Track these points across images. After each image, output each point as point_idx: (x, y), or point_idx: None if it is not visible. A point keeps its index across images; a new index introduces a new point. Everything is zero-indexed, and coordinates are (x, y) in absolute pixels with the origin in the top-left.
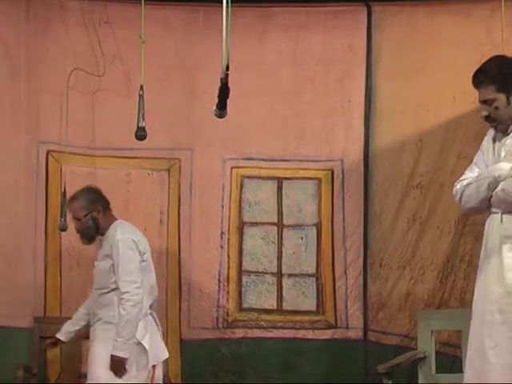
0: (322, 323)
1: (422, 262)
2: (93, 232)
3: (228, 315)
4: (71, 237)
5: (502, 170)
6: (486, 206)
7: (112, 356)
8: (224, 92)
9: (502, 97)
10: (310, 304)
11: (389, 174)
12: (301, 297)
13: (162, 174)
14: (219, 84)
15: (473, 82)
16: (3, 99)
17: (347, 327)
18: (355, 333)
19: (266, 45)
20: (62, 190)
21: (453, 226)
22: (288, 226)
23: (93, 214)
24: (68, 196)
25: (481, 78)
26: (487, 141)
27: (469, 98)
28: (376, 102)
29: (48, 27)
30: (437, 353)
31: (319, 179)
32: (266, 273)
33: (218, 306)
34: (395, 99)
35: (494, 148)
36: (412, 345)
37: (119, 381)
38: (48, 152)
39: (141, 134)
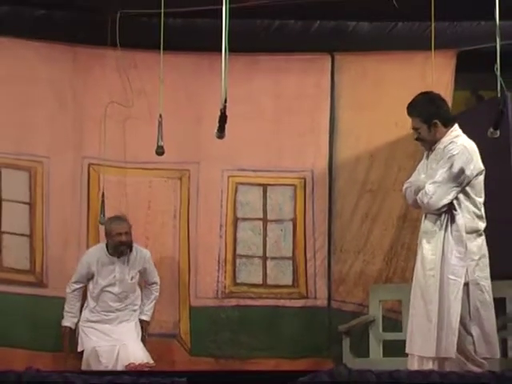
0: (296, 295)
1: (373, 248)
2: None
3: (225, 288)
4: None
5: (423, 182)
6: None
7: (148, 321)
8: (223, 119)
9: (424, 126)
10: (288, 280)
11: (347, 181)
12: (280, 274)
13: (175, 181)
14: (219, 113)
15: (407, 113)
16: (55, 125)
17: (315, 298)
18: (321, 302)
19: (254, 83)
20: (101, 193)
21: (395, 221)
22: (271, 221)
23: None
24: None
25: (410, 110)
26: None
27: (408, 125)
28: (337, 127)
29: (89, 70)
30: (383, 317)
31: (295, 185)
32: (254, 256)
33: (218, 281)
34: (352, 125)
35: (426, 159)
36: (365, 311)
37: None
38: (89, 165)
39: (160, 151)
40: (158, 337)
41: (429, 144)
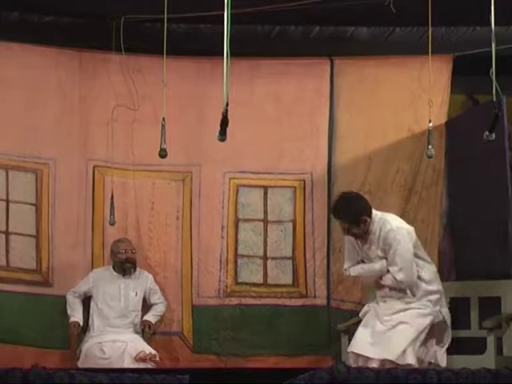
0: (296, 294)
1: None
2: None
3: (227, 287)
4: (111, 230)
5: (379, 271)
6: None
7: (152, 322)
8: (224, 122)
9: (354, 225)
10: (288, 279)
11: (346, 183)
12: (281, 274)
13: (178, 183)
14: (221, 116)
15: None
16: (61, 128)
17: (315, 297)
18: (321, 301)
19: (255, 87)
20: (110, 195)
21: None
22: (271, 222)
23: None
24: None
25: (338, 215)
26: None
27: (404, 128)
28: (337, 130)
29: (95, 74)
30: None
31: (294, 187)
32: (255, 256)
33: (220, 281)
34: (351, 128)
35: (357, 246)
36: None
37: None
38: (94, 167)
39: (163, 154)
40: (162, 335)
41: (361, 235)
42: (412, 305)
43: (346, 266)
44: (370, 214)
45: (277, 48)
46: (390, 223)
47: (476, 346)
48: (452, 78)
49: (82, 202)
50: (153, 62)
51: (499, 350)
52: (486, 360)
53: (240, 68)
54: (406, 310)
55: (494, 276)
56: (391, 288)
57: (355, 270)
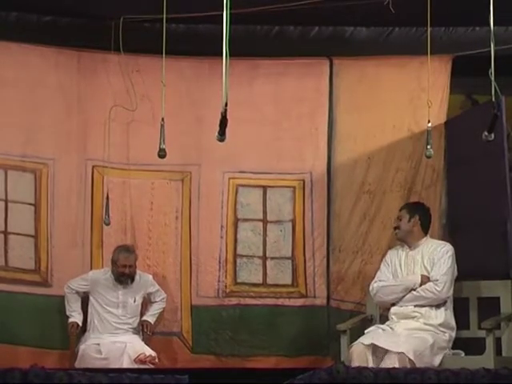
0: (296, 294)
1: (370, 248)
2: None
3: (226, 287)
4: (110, 230)
5: (412, 282)
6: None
7: (151, 323)
8: (223, 122)
9: (406, 216)
10: (287, 279)
11: (345, 183)
12: (280, 274)
13: (177, 183)
14: (220, 116)
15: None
16: (61, 128)
17: (315, 297)
18: (320, 301)
19: (254, 87)
20: (105, 195)
21: (393, 221)
22: (271, 222)
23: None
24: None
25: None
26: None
27: (404, 128)
28: (336, 130)
29: (94, 74)
30: (380, 315)
31: (294, 187)
32: (254, 256)
33: (219, 281)
34: (350, 128)
35: (401, 259)
36: (362, 310)
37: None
38: (93, 167)
39: (162, 154)
40: (161, 335)
41: (403, 236)
42: (429, 327)
43: (374, 284)
44: (422, 225)
45: (276, 48)
46: (444, 242)
47: (475, 347)
48: (451, 78)
49: (80, 202)
50: (152, 62)
51: (498, 350)
52: (485, 360)
53: (239, 68)
54: (423, 329)
55: (493, 276)
56: (417, 302)
57: (376, 283)
